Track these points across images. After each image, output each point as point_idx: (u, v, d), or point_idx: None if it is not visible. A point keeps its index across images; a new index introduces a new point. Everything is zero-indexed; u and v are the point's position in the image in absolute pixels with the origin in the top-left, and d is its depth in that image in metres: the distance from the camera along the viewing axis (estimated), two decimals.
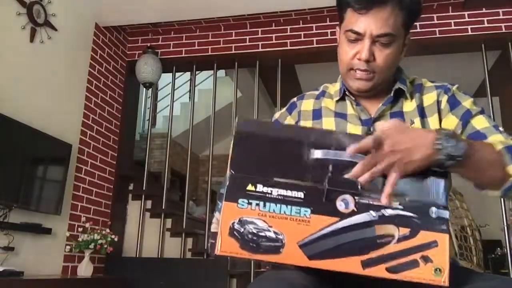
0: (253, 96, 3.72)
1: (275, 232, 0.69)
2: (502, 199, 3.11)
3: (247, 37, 3.70)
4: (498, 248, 4.66)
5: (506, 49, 3.36)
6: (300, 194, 0.72)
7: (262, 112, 3.75)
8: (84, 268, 2.95)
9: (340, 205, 0.72)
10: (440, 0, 3.29)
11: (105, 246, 2.98)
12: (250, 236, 0.69)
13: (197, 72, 4.36)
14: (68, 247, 2.99)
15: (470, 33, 3.32)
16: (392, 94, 1.02)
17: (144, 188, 3.66)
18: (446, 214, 0.74)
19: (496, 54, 3.73)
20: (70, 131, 3.08)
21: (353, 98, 1.04)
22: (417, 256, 0.71)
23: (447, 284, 0.69)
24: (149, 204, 3.66)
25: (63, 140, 2.88)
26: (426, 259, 0.70)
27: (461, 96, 1.02)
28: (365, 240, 0.71)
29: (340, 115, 1.06)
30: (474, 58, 3.52)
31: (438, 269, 0.70)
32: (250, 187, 0.72)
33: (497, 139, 0.91)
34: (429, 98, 1.03)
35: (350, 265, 0.70)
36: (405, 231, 0.72)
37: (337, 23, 1.04)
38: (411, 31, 1.00)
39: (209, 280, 3.12)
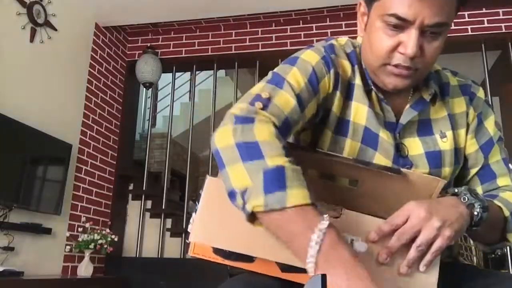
0: None
1: None
2: None
3: (247, 37, 3.70)
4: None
5: (506, 49, 3.36)
6: None
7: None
8: (84, 268, 2.95)
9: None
10: None
11: (105, 246, 2.98)
12: None
13: (197, 72, 4.36)
14: (68, 247, 2.99)
15: (470, 33, 3.32)
16: (428, 100, 0.85)
17: (144, 188, 3.65)
18: None
19: (496, 54, 3.73)
20: (70, 131, 3.08)
21: (380, 94, 0.84)
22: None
23: None
24: (149, 204, 3.66)
25: (63, 140, 2.88)
26: None
27: (485, 114, 0.91)
28: None
29: (371, 105, 0.84)
30: (474, 58, 3.52)
31: None
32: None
33: (506, 183, 0.89)
34: (458, 106, 0.90)
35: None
36: None
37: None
38: None
39: (209, 280, 3.12)
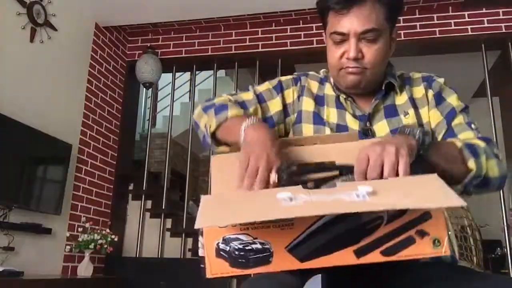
0: None
1: (261, 243, 0.68)
2: (502, 199, 3.11)
3: (247, 37, 3.70)
4: (498, 248, 4.66)
5: (506, 49, 3.36)
6: None
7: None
8: (84, 268, 2.95)
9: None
10: (440, 0, 3.29)
11: (105, 246, 2.98)
12: (237, 252, 0.68)
13: (197, 72, 4.36)
14: (68, 247, 2.99)
15: (470, 33, 3.32)
16: (383, 88, 1.04)
17: (144, 188, 3.65)
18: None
19: (496, 54, 3.73)
20: (70, 131, 3.08)
21: (346, 96, 1.05)
22: (411, 232, 0.67)
23: (448, 253, 0.67)
24: (149, 204, 3.66)
25: (63, 140, 2.88)
26: (421, 233, 0.67)
27: (446, 92, 1.05)
28: (353, 229, 0.68)
29: (341, 107, 1.06)
30: (474, 58, 3.52)
31: (436, 240, 0.67)
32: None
33: (467, 137, 0.97)
34: (418, 91, 1.06)
35: (343, 257, 0.67)
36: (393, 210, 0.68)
37: None
38: (397, 25, 1.02)
39: (209, 280, 3.12)
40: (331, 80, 1.09)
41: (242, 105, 1.04)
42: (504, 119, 4.29)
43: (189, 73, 5.40)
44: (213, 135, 0.99)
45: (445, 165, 0.85)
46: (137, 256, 3.49)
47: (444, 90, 1.06)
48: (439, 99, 1.04)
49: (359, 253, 0.67)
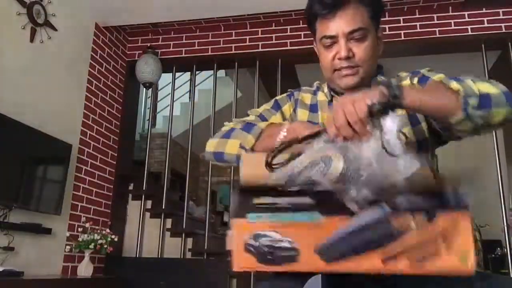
0: (253, 96, 3.72)
1: (289, 242, 0.68)
2: (502, 199, 3.11)
3: (247, 37, 3.70)
4: (498, 248, 4.65)
5: (506, 49, 3.36)
6: (309, 199, 0.70)
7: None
8: (84, 268, 2.95)
9: (351, 205, 0.69)
10: (440, 0, 3.29)
11: (105, 246, 2.98)
12: (265, 249, 0.68)
13: (197, 72, 4.35)
14: (68, 247, 2.99)
15: (470, 33, 3.32)
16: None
17: (144, 188, 3.65)
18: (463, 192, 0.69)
19: (496, 54, 3.73)
20: (70, 131, 3.08)
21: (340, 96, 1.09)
22: (439, 243, 0.65)
23: (473, 270, 0.64)
24: (149, 204, 3.66)
25: (63, 140, 2.88)
26: (449, 246, 0.65)
27: (432, 74, 1.04)
28: (381, 236, 0.67)
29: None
30: (474, 58, 3.52)
31: (463, 256, 0.65)
32: (257, 200, 0.71)
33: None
34: (405, 84, 1.06)
35: (370, 264, 0.67)
36: (421, 217, 0.66)
37: None
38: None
39: (209, 280, 3.12)
40: (324, 88, 1.15)
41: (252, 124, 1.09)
42: None
43: (189, 73, 5.40)
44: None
45: (429, 97, 0.83)
46: (137, 256, 3.49)
47: (431, 72, 1.05)
48: (423, 79, 1.03)
49: (386, 260, 0.67)
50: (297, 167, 0.71)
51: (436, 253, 0.65)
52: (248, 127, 1.03)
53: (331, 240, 0.67)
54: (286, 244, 0.68)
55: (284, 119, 1.16)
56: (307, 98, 1.17)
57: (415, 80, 1.06)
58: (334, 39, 1.01)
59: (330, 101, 1.12)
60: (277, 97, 1.22)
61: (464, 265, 0.65)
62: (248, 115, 1.19)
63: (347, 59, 1.00)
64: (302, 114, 1.15)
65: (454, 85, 0.83)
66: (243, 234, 0.69)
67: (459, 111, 0.82)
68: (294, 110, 1.16)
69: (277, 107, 1.18)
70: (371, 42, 1.01)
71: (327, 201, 0.69)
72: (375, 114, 0.74)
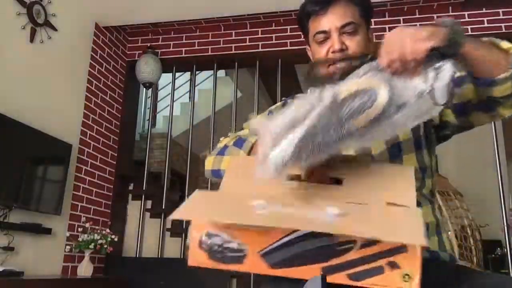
0: (253, 96, 3.72)
1: (238, 244, 0.72)
2: (502, 199, 3.11)
3: (247, 37, 3.70)
4: (498, 248, 4.66)
5: None
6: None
7: (262, 112, 3.74)
8: (84, 268, 2.95)
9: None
10: (440, 0, 3.29)
11: (105, 246, 2.98)
12: (216, 247, 0.72)
13: (197, 72, 4.36)
14: (68, 247, 2.99)
15: (470, 33, 3.32)
16: None
17: (144, 188, 3.66)
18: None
19: None
20: (70, 131, 3.08)
21: None
22: (382, 262, 0.66)
23: None
24: (149, 204, 3.66)
25: (63, 140, 2.88)
26: (392, 265, 0.65)
27: None
28: (325, 248, 0.68)
29: None
30: None
31: (406, 275, 0.64)
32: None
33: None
34: None
35: (311, 272, 0.68)
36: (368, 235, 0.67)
37: None
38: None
39: (209, 280, 3.12)
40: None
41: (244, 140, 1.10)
42: (504, 119, 4.29)
43: (189, 73, 5.40)
44: None
45: (482, 51, 0.86)
46: (137, 256, 3.49)
47: None
48: None
49: (326, 271, 0.68)
50: (342, 92, 0.73)
51: (377, 269, 0.66)
52: (239, 142, 1.05)
53: (276, 246, 0.70)
54: (235, 246, 0.72)
55: None
56: None
57: None
58: (326, 34, 1.03)
59: None
60: (271, 107, 1.24)
61: (406, 285, 0.64)
62: (248, 116, 1.20)
63: (341, 51, 1.01)
64: None
65: (505, 44, 0.88)
66: (200, 231, 0.74)
67: (508, 68, 0.85)
68: None
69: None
70: (363, 37, 1.04)
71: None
72: (432, 58, 0.74)
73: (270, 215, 0.70)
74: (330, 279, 0.68)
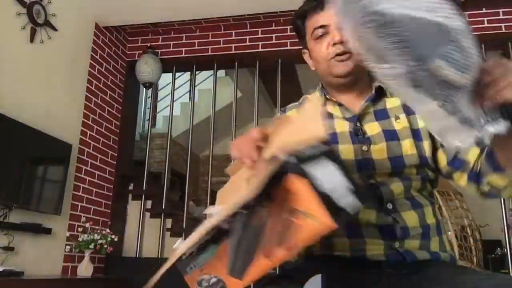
0: (253, 96, 3.72)
1: (215, 277, 0.79)
2: (502, 199, 3.11)
3: (247, 37, 3.70)
4: (498, 248, 4.66)
5: (506, 49, 3.36)
6: (205, 236, 0.78)
7: (262, 112, 3.75)
8: (84, 268, 2.95)
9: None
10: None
11: (105, 246, 2.98)
12: None
13: (197, 72, 4.36)
14: (68, 247, 2.99)
15: None
16: (373, 92, 1.05)
17: (144, 188, 3.65)
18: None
19: (496, 54, 3.73)
20: (70, 131, 3.08)
21: (335, 100, 1.07)
22: (291, 217, 0.66)
23: (330, 221, 0.61)
24: (149, 204, 3.66)
25: (63, 140, 2.88)
26: (298, 216, 0.65)
27: None
28: (252, 238, 0.72)
29: (327, 117, 1.07)
30: None
31: (312, 216, 0.63)
32: (184, 256, 0.83)
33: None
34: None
35: (262, 265, 0.70)
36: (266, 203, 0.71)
37: None
38: None
39: None
40: (316, 93, 1.15)
41: None
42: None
43: (189, 73, 5.41)
44: None
45: None
46: (137, 256, 3.49)
47: None
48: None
49: (268, 255, 0.70)
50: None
51: (295, 227, 0.66)
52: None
53: (228, 259, 0.75)
54: (215, 280, 0.79)
55: None
56: (293, 113, 1.15)
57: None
58: (325, 29, 1.03)
59: (326, 100, 1.09)
60: (287, 112, 1.18)
61: (319, 222, 0.62)
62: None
63: (341, 43, 1.00)
64: None
65: None
66: (193, 284, 0.83)
67: None
68: None
69: None
70: None
71: (216, 232, 0.77)
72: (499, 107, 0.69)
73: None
74: (276, 259, 0.68)
